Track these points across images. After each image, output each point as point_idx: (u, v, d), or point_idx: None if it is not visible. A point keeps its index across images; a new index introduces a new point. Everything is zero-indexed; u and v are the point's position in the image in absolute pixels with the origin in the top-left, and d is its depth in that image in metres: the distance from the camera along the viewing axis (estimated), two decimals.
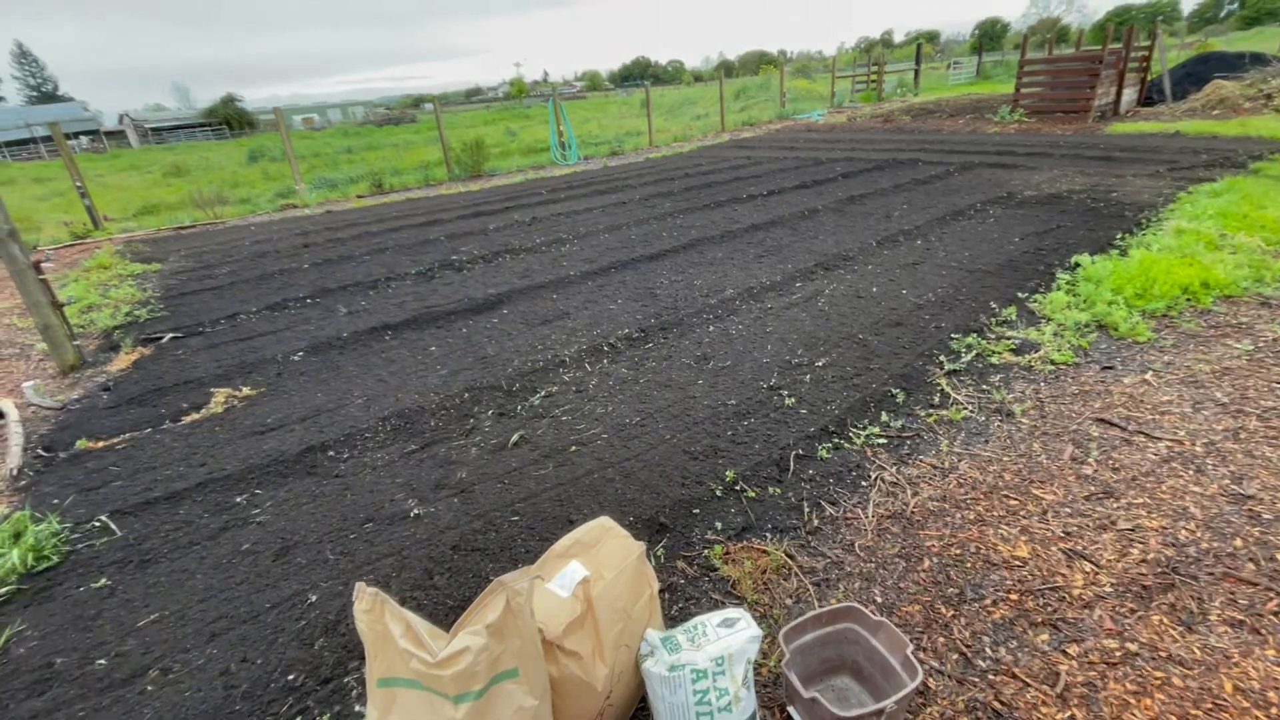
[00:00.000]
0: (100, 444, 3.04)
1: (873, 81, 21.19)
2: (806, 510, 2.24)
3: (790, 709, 1.49)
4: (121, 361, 4.11)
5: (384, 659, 1.18)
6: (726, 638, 1.37)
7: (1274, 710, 1.45)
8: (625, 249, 5.57)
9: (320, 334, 4.17)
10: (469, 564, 2.05)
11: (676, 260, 5.13)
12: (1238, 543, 1.94)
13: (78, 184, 9.79)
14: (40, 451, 3.04)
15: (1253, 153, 7.34)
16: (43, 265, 4.10)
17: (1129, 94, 12.11)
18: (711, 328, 3.76)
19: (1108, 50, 11.23)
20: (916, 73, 23.34)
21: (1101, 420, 2.64)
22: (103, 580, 2.12)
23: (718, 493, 2.33)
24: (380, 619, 1.18)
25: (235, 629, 1.88)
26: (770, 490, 2.34)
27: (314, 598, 1.97)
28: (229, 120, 50.15)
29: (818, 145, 11.68)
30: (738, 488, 2.35)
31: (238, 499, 2.51)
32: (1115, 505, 2.16)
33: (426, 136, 22.77)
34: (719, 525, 2.17)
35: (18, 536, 2.30)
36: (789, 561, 2.02)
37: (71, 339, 4.17)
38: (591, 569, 1.43)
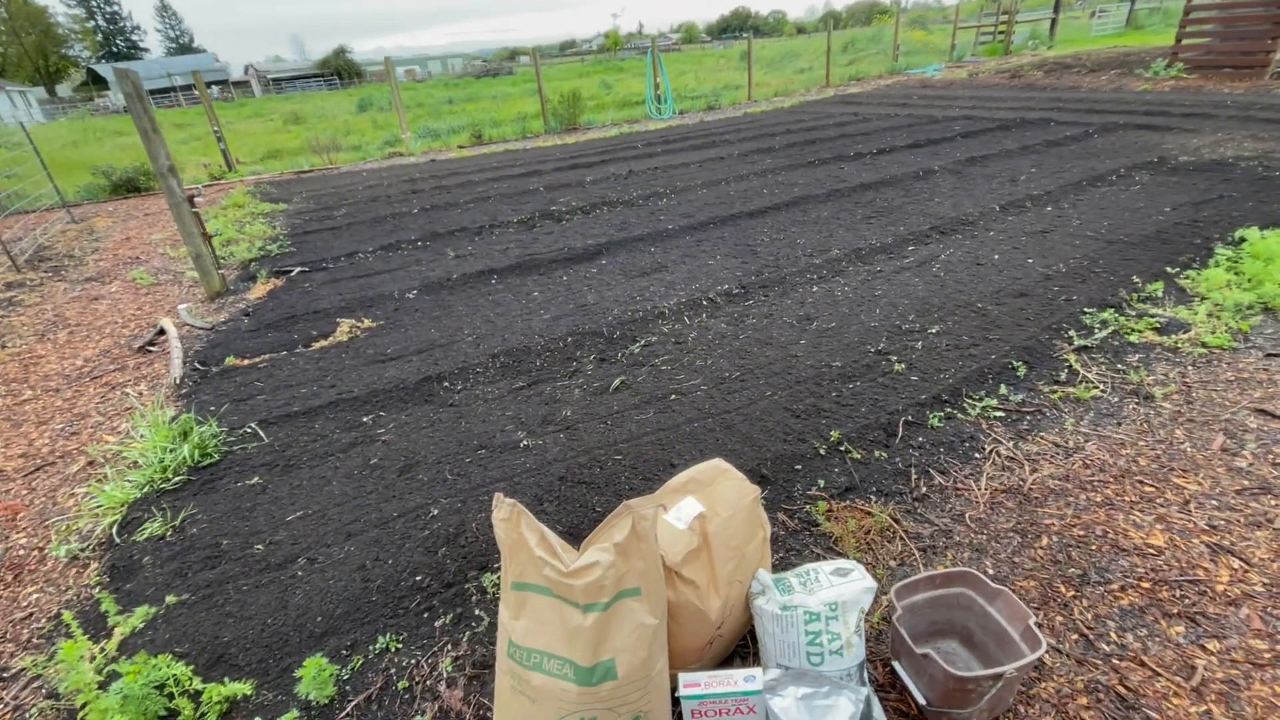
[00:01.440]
0: (245, 362, 3.38)
1: (1000, 33, 19.24)
2: (914, 477, 2.17)
3: (895, 664, 1.49)
4: (258, 291, 4.52)
5: (518, 564, 1.27)
6: (840, 585, 1.37)
7: None
8: (724, 204, 5.45)
9: (431, 275, 4.39)
10: (575, 495, 2.14)
11: (778, 218, 4.97)
12: None
13: (215, 129, 10.65)
14: (197, 365, 3.42)
15: None
16: (195, 200, 4.52)
17: None
18: (815, 288, 3.65)
19: None
20: (1053, 22, 20.95)
21: (1262, 411, 2.37)
22: (255, 479, 2.39)
23: (821, 451, 2.30)
24: (517, 527, 1.26)
25: (368, 532, 2.07)
26: (876, 454, 2.28)
27: (435, 511, 2.13)
28: (339, 71, 52.62)
29: (933, 102, 10.83)
30: (842, 448, 2.31)
31: (364, 419, 2.74)
32: (1274, 503, 1.95)
33: (523, 89, 22.98)
34: (821, 483, 2.15)
35: (185, 435, 2.61)
36: (894, 525, 1.98)
37: (218, 268, 4.62)
38: (706, 506, 1.46)
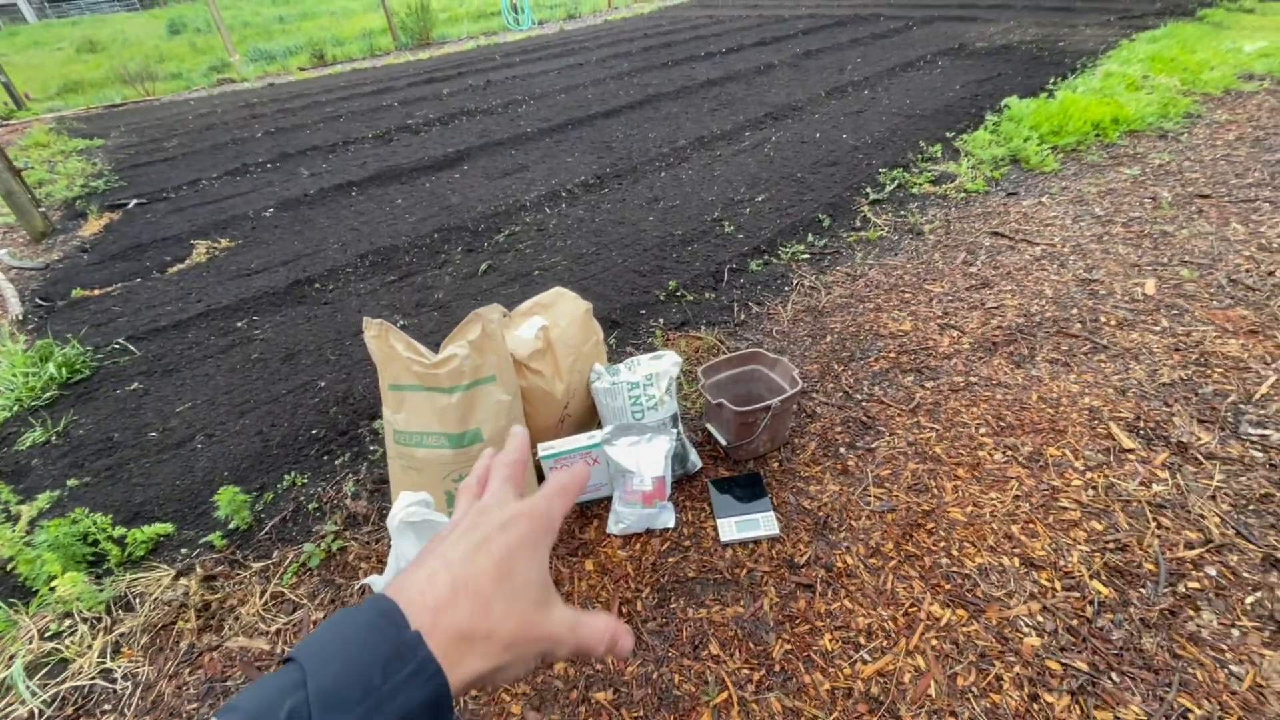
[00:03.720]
0: (97, 292, 3.27)
1: None
2: (736, 309, 2.65)
3: (707, 425, 1.97)
4: (92, 227, 4.22)
5: (392, 370, 1.57)
6: (655, 363, 1.80)
7: (1061, 407, 1.97)
8: (582, 107, 5.60)
9: (287, 193, 4.29)
10: None
11: (632, 116, 5.22)
12: (1073, 311, 2.42)
13: None
14: (39, 301, 3.26)
15: (1205, 0, 7.40)
16: None
17: None
18: (663, 174, 4.01)
19: None
20: None
21: (994, 233, 3.05)
22: (135, 384, 2.47)
23: (661, 298, 2.72)
24: (387, 341, 1.55)
25: (261, 407, 2.27)
26: (706, 295, 2.73)
27: (323, 384, 2.35)
28: None
29: (783, 2, 11.19)
30: (679, 294, 2.74)
31: (238, 324, 2.83)
32: (988, 292, 2.61)
33: (364, 3, 20.82)
34: (662, 321, 2.58)
35: (45, 359, 2.60)
36: (719, 344, 2.45)
37: (37, 205, 4.23)
38: (549, 320, 1.82)
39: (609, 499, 1.80)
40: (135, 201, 4.50)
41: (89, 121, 7.80)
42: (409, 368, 1.53)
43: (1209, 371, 2.05)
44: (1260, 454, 1.74)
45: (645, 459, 1.69)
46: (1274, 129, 3.78)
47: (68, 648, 1.54)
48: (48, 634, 1.58)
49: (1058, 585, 1.48)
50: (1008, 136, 3.91)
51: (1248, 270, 2.52)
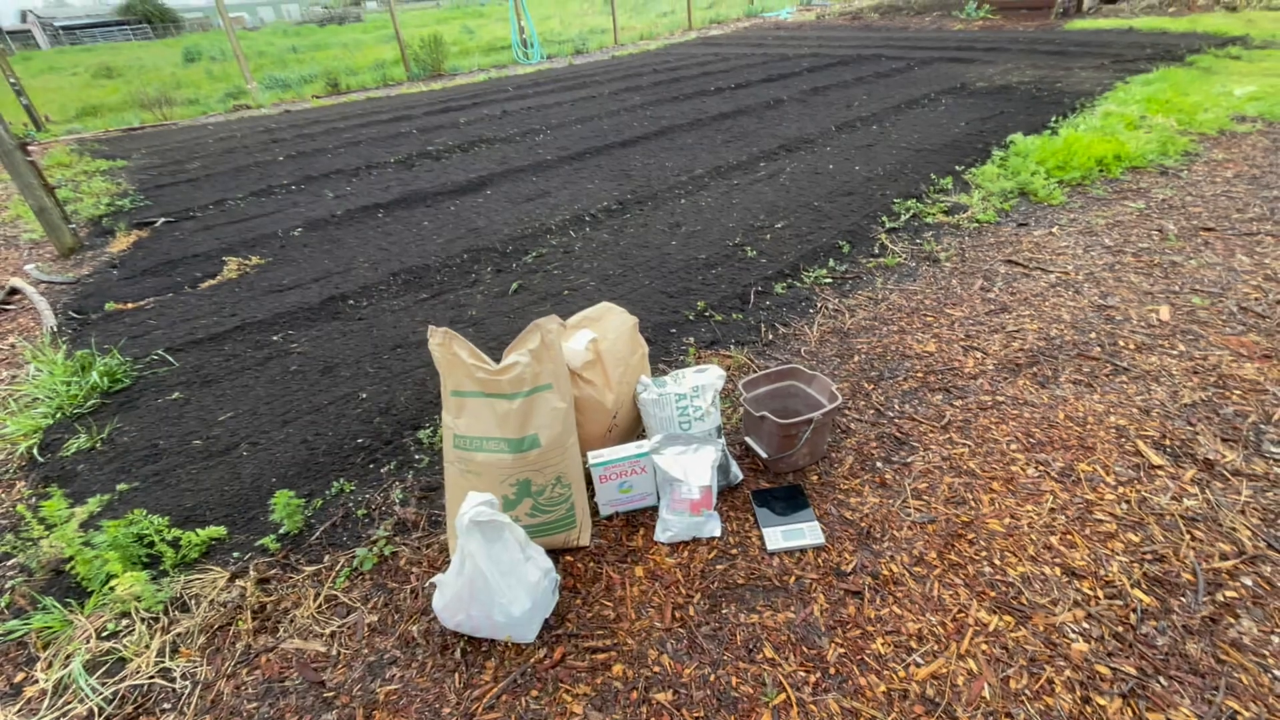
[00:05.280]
0: (130, 306, 3.33)
1: None
2: (763, 329, 2.73)
3: (747, 438, 2.02)
4: (120, 243, 4.29)
5: (455, 377, 1.62)
6: (700, 376, 1.86)
7: (1088, 425, 2.04)
8: (598, 137, 5.77)
9: (313, 214, 4.39)
10: None
11: (648, 146, 5.38)
12: (1092, 335, 2.50)
13: (12, 82, 9.23)
14: (72, 314, 3.31)
15: (1193, 46, 7.70)
16: (29, 147, 4.14)
17: None
18: (683, 201, 4.13)
19: None
20: None
21: (1009, 261, 3.16)
22: (176, 394, 2.51)
23: (690, 318, 2.79)
24: (450, 349, 1.61)
25: (304, 417, 2.31)
26: (734, 316, 2.81)
27: (364, 395, 2.40)
28: (149, 18, 45.47)
29: (786, 42, 11.58)
30: (707, 314, 2.82)
31: (274, 338, 2.88)
32: (1007, 317, 2.70)
33: (375, 35, 21.43)
34: (692, 340, 2.65)
35: (85, 368, 2.64)
36: (749, 362, 2.52)
37: (66, 221, 4.31)
38: (598, 333, 1.88)
39: (654, 509, 1.85)
40: (163, 219, 4.59)
41: (109, 144, 7.96)
42: (472, 374, 1.59)
43: (1228, 393, 2.13)
44: None
45: (693, 468, 1.74)
46: (1269, 168, 3.94)
47: (126, 647, 1.55)
48: (105, 633, 1.59)
49: (1100, 594, 1.52)
50: (1015, 170, 4.06)
51: (1256, 299, 2.62)
